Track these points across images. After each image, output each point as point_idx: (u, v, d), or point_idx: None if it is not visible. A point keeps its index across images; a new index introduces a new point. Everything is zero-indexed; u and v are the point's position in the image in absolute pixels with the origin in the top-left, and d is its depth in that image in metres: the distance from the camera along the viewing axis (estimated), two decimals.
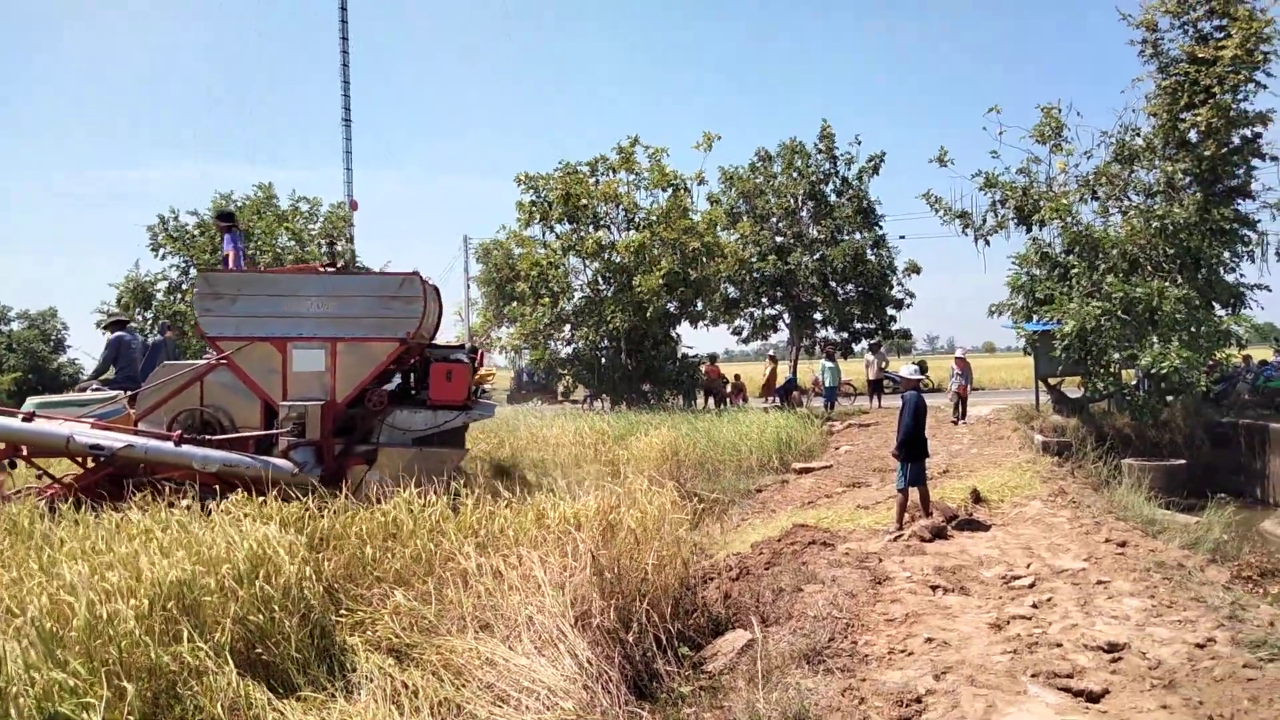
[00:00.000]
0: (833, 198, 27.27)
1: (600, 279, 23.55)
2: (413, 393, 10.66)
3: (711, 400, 23.80)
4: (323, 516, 6.76)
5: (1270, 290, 15.94)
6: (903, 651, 5.50)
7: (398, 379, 10.75)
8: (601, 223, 23.59)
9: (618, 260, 22.77)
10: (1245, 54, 14.68)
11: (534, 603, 5.52)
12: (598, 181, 23.51)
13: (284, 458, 9.07)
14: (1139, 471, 13.06)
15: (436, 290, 11.22)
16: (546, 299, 22.96)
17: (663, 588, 6.50)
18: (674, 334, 24.62)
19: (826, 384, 22.47)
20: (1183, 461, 14.31)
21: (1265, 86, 15.09)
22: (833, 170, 27.29)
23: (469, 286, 40.69)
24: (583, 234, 23.25)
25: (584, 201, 22.87)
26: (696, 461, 14.36)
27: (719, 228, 25.23)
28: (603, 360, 23.09)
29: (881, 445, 16.10)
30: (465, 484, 8.55)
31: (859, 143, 27.75)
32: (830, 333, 27.85)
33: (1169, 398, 15.50)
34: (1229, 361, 16.93)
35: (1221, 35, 15.13)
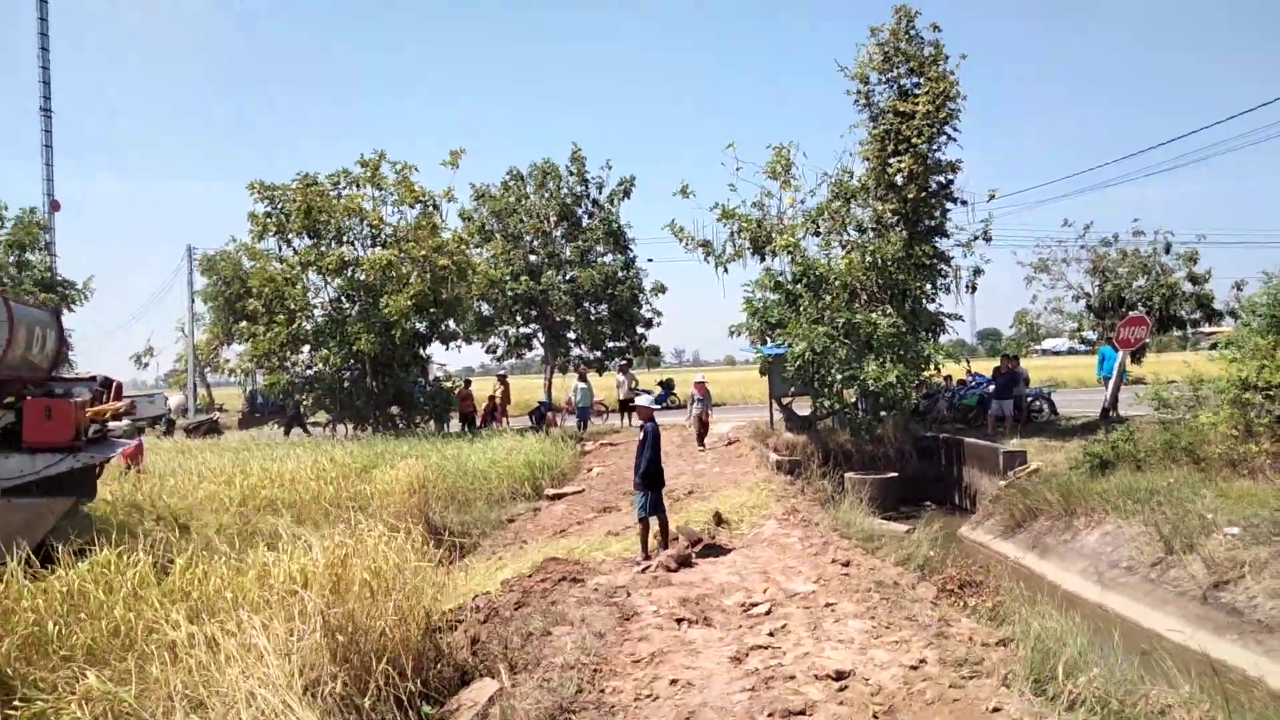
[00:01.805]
0: (585, 219, 27.67)
1: (344, 297, 22.20)
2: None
3: (465, 424, 23.16)
4: None
5: (963, 319, 18.17)
6: (649, 697, 5.46)
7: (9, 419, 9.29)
8: (345, 238, 22.26)
9: (362, 278, 21.58)
10: (935, 109, 16.59)
11: (256, 675, 4.91)
12: (340, 195, 22.16)
13: None
14: (859, 485, 14.28)
15: (56, 313, 9.92)
16: (282, 317, 21.24)
17: (404, 641, 6.06)
18: (424, 354, 23.75)
19: (579, 403, 22.67)
20: (895, 474, 15.83)
21: (954, 139, 17.18)
22: (584, 193, 27.71)
23: (193, 301, 36.94)
24: (324, 249, 21.79)
25: (325, 216, 21.45)
26: (447, 492, 13.82)
27: (471, 245, 24.73)
28: (346, 383, 21.74)
29: (630, 467, 16.38)
30: (92, 539, 7.55)
31: (610, 167, 28.45)
32: (584, 351, 28.20)
33: (883, 414, 17.16)
34: (931, 381, 19.02)
35: (921, 92, 17.02)
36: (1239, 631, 8.02)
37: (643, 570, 8.57)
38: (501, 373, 26.38)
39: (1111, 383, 17.63)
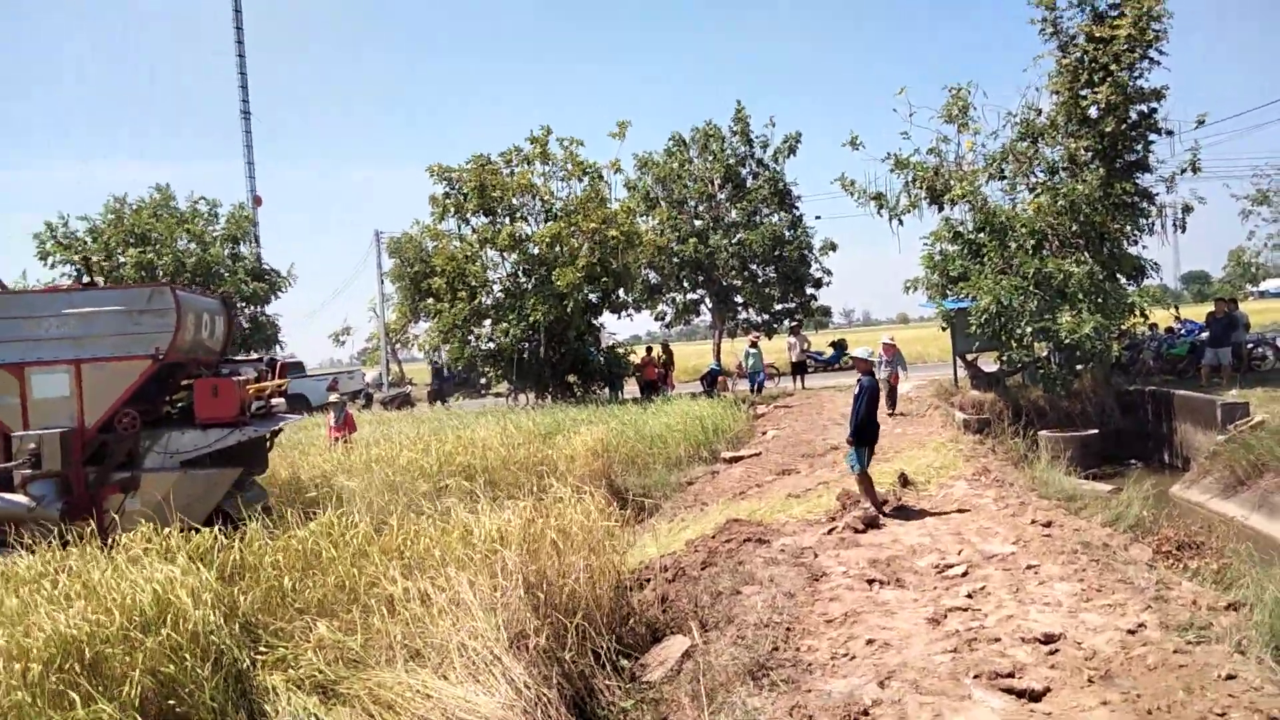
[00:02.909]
0: (749, 180, 27.36)
1: (520, 272, 23.12)
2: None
3: (644, 391, 23.56)
4: (232, 547, 6.37)
5: (1159, 266, 16.63)
6: (845, 656, 5.43)
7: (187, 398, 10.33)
8: (518, 214, 23.14)
9: (535, 252, 22.38)
10: (1139, 32, 15.16)
11: (466, 627, 5.28)
12: (512, 173, 23.02)
13: (22, 492, 8.62)
14: (1055, 444, 13.47)
15: (226, 301, 10.90)
16: (464, 294, 22.42)
17: (596, 599, 6.31)
18: (597, 324, 24.37)
19: (750, 368, 22.58)
20: (1095, 431, 14.81)
21: (1158, 63, 15.66)
22: (748, 153, 27.37)
23: (382, 282, 39.60)
24: (499, 226, 22.75)
25: (498, 193, 22.38)
26: (627, 457, 14.21)
27: (637, 214, 25.08)
28: (525, 354, 22.70)
29: (807, 429, 16.23)
30: (269, 505, 8.22)
31: (773, 125, 27.82)
32: (752, 315, 28.03)
33: (1079, 368, 16.04)
34: (1135, 330, 17.59)
35: (1116, 14, 15.59)
36: None
37: (829, 531, 8.50)
38: (664, 340, 26.68)
39: None
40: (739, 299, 27.82)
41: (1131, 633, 5.26)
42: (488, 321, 23.34)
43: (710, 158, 27.26)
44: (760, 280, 27.15)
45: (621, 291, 24.26)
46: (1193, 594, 5.95)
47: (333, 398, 16.84)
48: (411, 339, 42.71)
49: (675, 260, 26.27)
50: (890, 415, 16.00)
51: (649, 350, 24.94)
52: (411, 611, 5.49)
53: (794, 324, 26.42)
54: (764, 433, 16.97)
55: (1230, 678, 4.51)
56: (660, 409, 17.33)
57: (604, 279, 22.43)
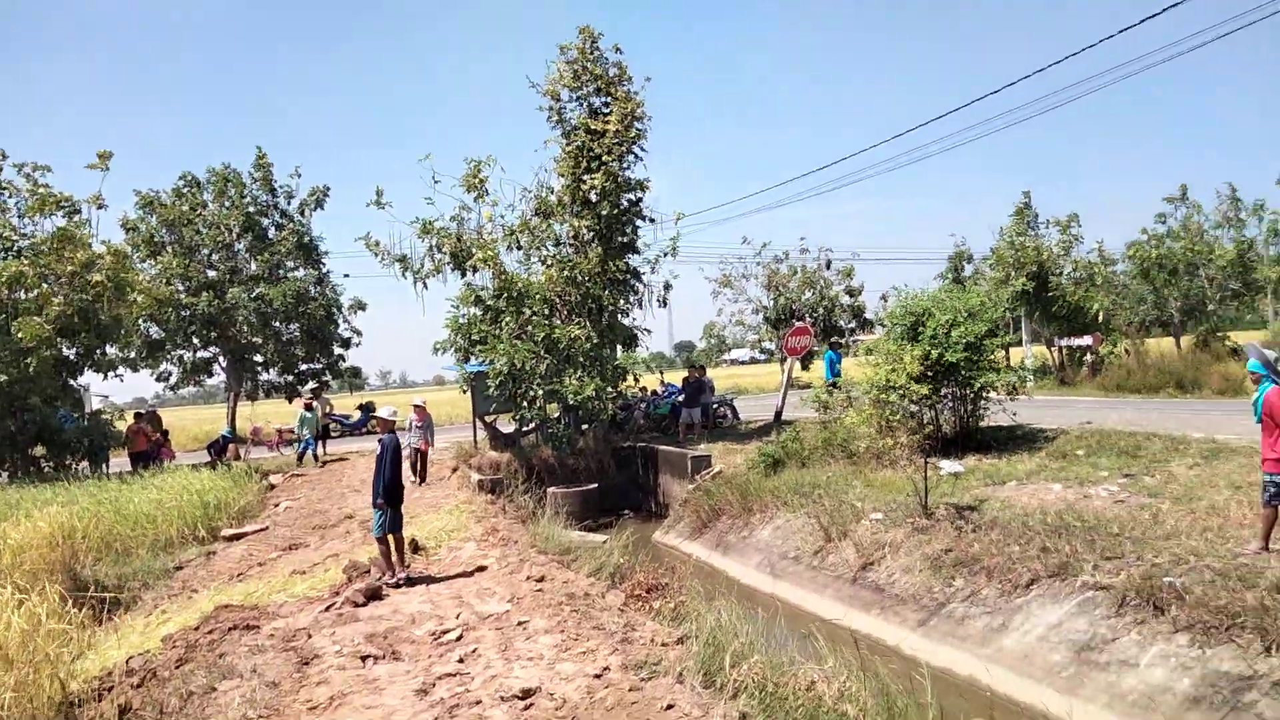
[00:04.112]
0: (272, 231, 25.65)
1: None
2: None
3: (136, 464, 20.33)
4: None
5: (652, 332, 19.15)
6: None
7: None
8: None
9: None
10: (624, 129, 17.42)
11: None
12: None
13: None
14: (560, 499, 14.51)
15: None
16: None
17: None
18: (76, 385, 20.59)
19: (305, 432, 21.04)
20: (595, 485, 16.27)
21: (640, 158, 18.12)
22: (272, 202, 25.70)
23: None
24: None
25: None
26: (101, 542, 12.08)
27: (135, 259, 21.96)
28: None
29: (324, 498, 15.45)
30: None
31: (299, 175, 26.52)
32: (274, 375, 26.06)
33: (584, 427, 17.59)
34: (628, 392, 19.84)
35: (608, 111, 17.75)
36: (881, 606, 9.13)
37: (328, 608, 8.02)
38: (150, 409, 23.68)
39: (781, 388, 19.46)
40: (259, 358, 25.69)
41: (598, 676, 5.70)
42: None
43: (228, 203, 25.03)
44: (284, 338, 25.40)
45: (113, 348, 20.87)
46: (652, 633, 6.68)
47: None
48: None
49: (184, 314, 23.41)
50: (417, 485, 15.62)
51: (137, 416, 21.76)
52: None
53: (314, 386, 25.14)
54: (276, 505, 15.72)
55: (670, 707, 5.09)
56: (151, 483, 15.12)
57: (84, 333, 19.08)
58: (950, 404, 13.74)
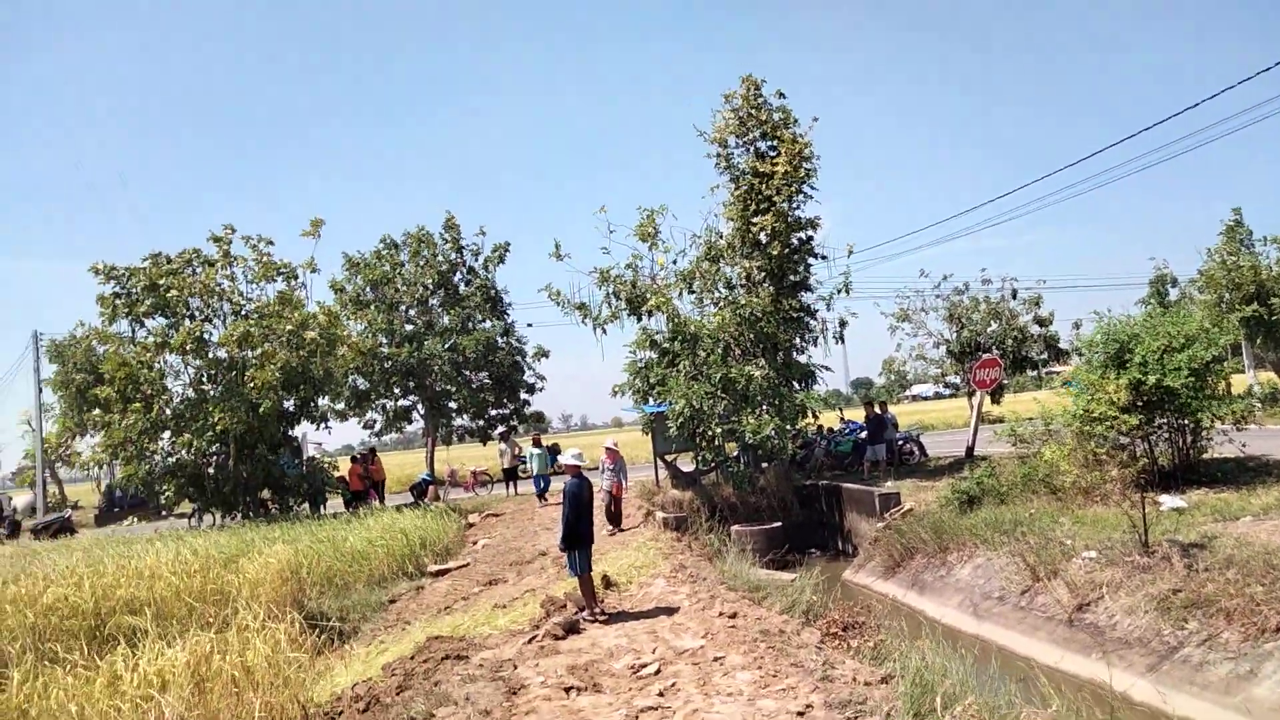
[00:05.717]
0: (462, 287, 27.47)
1: (204, 377, 21.03)
2: None
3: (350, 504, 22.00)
4: None
5: (831, 370, 18.83)
6: None
7: None
8: (199, 316, 21.12)
9: (223, 355, 20.55)
10: (793, 169, 17.46)
11: None
12: (194, 272, 21.09)
13: None
14: (744, 536, 14.44)
15: None
16: (138, 404, 19.91)
17: None
18: (295, 434, 22.70)
19: (536, 471, 21.29)
20: (779, 524, 16.08)
21: (810, 196, 18.09)
22: (460, 259, 27.56)
23: (40, 390, 34.33)
24: (178, 328, 20.62)
25: (175, 293, 20.27)
26: (324, 577, 13.19)
27: (344, 315, 24.09)
28: (210, 469, 20.53)
29: (518, 536, 16.10)
30: None
31: (484, 233, 28.40)
32: (466, 420, 27.69)
33: (764, 465, 17.49)
34: (807, 430, 19.58)
35: (775, 154, 17.86)
36: (1102, 649, 8.46)
37: (529, 640, 8.35)
38: (370, 448, 25.49)
39: (971, 422, 18.59)
40: (452, 405, 27.43)
41: (800, 715, 5.62)
42: (167, 433, 20.82)
43: (422, 262, 27.10)
44: (474, 385, 27.01)
45: (322, 400, 22.88)
46: (853, 671, 6.51)
47: None
48: (75, 456, 37.05)
49: (386, 365, 25.44)
50: (611, 534, 14.58)
51: (353, 460, 23.57)
52: None
53: (502, 431, 26.43)
54: (474, 542, 16.58)
55: None
56: (362, 523, 16.37)
57: (301, 386, 21.06)
58: (1166, 435, 12.65)
